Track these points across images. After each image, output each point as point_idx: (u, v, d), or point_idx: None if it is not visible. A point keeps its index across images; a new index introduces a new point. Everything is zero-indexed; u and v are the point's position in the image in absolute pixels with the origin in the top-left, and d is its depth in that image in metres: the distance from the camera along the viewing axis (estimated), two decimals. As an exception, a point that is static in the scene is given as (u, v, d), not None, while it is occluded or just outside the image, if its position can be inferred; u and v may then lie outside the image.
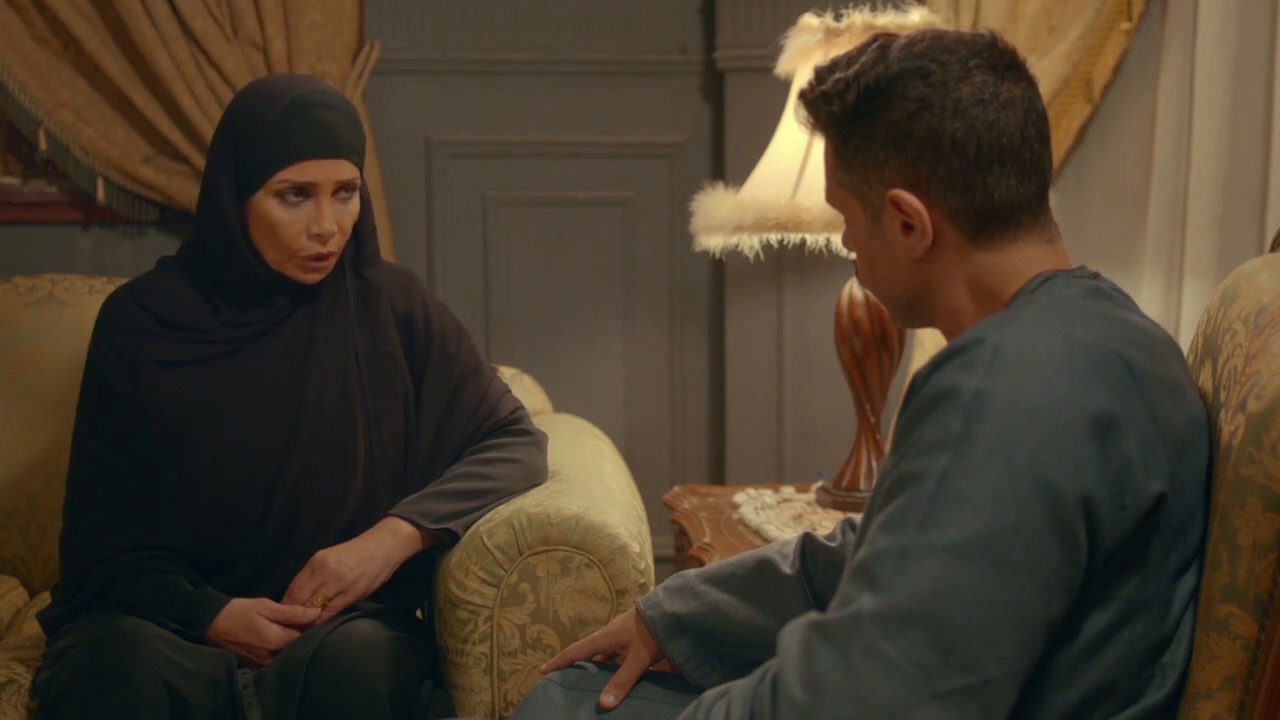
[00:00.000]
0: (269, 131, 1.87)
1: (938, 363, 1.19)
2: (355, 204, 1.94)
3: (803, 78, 2.46)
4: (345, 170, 1.90)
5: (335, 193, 1.90)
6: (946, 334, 1.35)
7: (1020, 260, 1.29)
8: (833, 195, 1.37)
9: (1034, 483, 1.12)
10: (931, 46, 1.28)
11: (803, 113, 1.37)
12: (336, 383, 1.97)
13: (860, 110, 1.29)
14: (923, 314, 1.36)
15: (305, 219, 1.88)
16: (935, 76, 1.27)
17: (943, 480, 1.13)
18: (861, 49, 1.31)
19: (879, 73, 1.28)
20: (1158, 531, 1.19)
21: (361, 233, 1.99)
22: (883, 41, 1.31)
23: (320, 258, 1.91)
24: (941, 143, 1.26)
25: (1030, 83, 1.30)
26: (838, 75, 1.31)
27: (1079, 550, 1.14)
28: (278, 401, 1.95)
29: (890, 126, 1.28)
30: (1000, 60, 1.29)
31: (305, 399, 1.95)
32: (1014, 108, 1.28)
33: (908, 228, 1.30)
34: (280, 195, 1.88)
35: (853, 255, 2.44)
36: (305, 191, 1.88)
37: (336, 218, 1.90)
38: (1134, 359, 1.20)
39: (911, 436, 1.17)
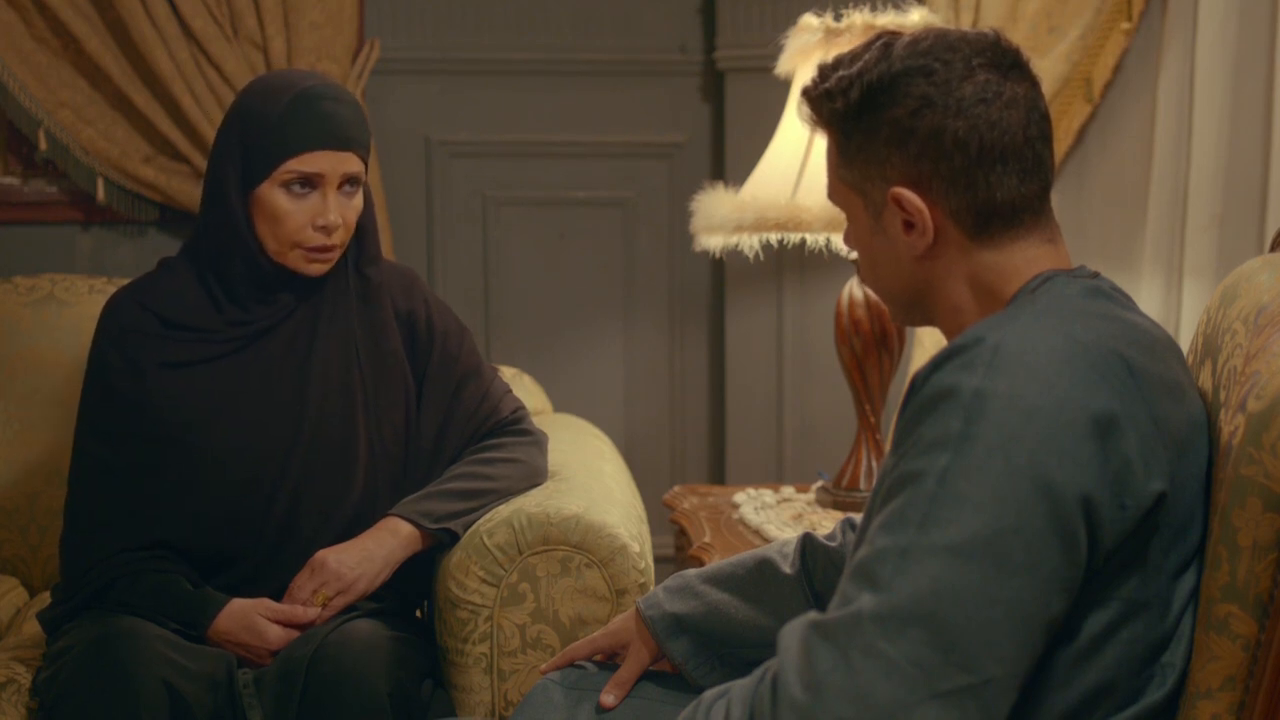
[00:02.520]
0: (277, 123, 1.87)
1: (938, 362, 1.19)
2: (360, 199, 1.94)
3: (803, 77, 2.46)
4: (351, 163, 1.90)
5: (340, 186, 1.91)
6: (947, 333, 1.35)
7: (1021, 259, 1.29)
8: (835, 192, 1.37)
9: (1034, 482, 1.12)
10: (935, 45, 1.28)
11: (805, 109, 1.37)
12: (339, 381, 1.97)
13: (863, 107, 1.29)
14: (924, 312, 1.36)
15: (311, 210, 1.89)
16: (938, 75, 1.27)
17: (943, 480, 1.13)
18: (865, 46, 1.32)
19: (882, 70, 1.28)
20: (1157, 531, 1.19)
21: (364, 231, 1.99)
22: (886, 39, 1.31)
23: (324, 249, 1.91)
24: (944, 141, 1.26)
25: (1033, 82, 1.30)
26: (841, 72, 1.31)
27: (1079, 550, 1.14)
28: (280, 400, 1.95)
29: (893, 124, 1.28)
30: (1004, 59, 1.29)
31: (307, 397, 1.95)
32: (1017, 107, 1.28)
33: (909, 225, 1.30)
34: (286, 186, 1.88)
35: (854, 255, 2.44)
36: (311, 183, 1.89)
37: (341, 211, 1.90)
38: (1134, 358, 1.20)
39: (911, 436, 1.17)
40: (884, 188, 1.30)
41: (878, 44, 1.31)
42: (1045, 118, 1.30)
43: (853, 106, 1.30)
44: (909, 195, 1.28)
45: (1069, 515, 1.13)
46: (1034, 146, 1.29)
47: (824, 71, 1.34)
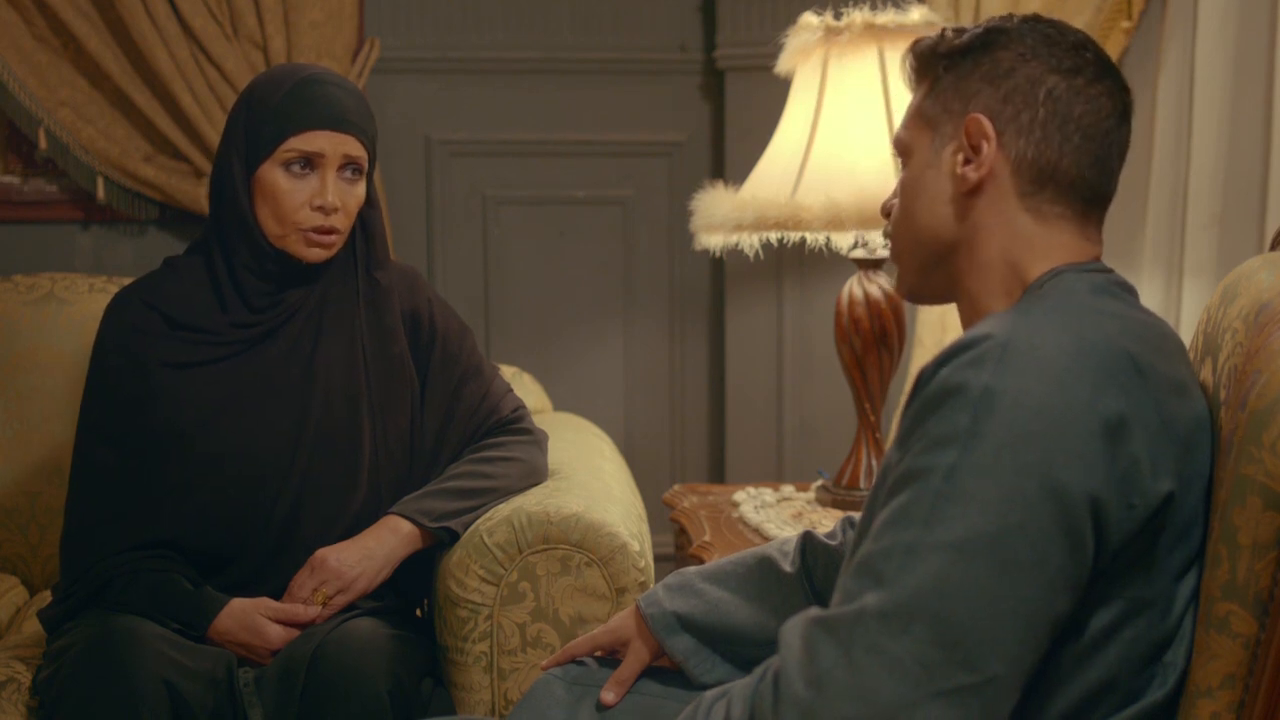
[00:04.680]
0: (279, 105, 1.89)
1: (945, 358, 1.18)
2: (361, 189, 1.95)
3: (803, 76, 2.46)
4: (352, 146, 1.91)
5: (341, 170, 1.91)
6: (962, 302, 1.35)
7: (1056, 241, 1.30)
8: (908, 127, 1.39)
9: (1041, 482, 1.12)
10: (1054, 21, 1.35)
11: (911, 59, 1.40)
12: (343, 382, 1.97)
13: (974, 45, 1.34)
14: (946, 271, 1.36)
15: (310, 191, 1.90)
16: (1053, 38, 1.32)
17: (949, 477, 1.13)
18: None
19: (1004, 23, 1.35)
20: (1163, 531, 1.19)
21: (371, 234, 2.00)
22: (1010, 12, 1.38)
23: (322, 231, 1.91)
24: (1038, 91, 1.30)
25: (1129, 100, 1.34)
26: (962, 27, 1.38)
27: (1086, 550, 1.14)
28: (284, 401, 1.95)
29: (995, 63, 1.32)
30: (1110, 65, 1.34)
31: (311, 399, 1.95)
32: (1114, 99, 1.32)
33: (968, 161, 1.31)
34: (286, 165, 1.89)
35: (855, 252, 2.44)
36: (311, 163, 1.90)
37: (340, 195, 1.91)
38: (1142, 357, 1.20)
39: (918, 431, 1.17)
40: (961, 117, 1.33)
41: (999, 15, 1.38)
42: (1127, 138, 1.34)
43: (965, 42, 1.35)
44: (985, 121, 1.31)
45: (1077, 515, 1.13)
46: (1110, 147, 1.32)
47: (942, 30, 1.39)
